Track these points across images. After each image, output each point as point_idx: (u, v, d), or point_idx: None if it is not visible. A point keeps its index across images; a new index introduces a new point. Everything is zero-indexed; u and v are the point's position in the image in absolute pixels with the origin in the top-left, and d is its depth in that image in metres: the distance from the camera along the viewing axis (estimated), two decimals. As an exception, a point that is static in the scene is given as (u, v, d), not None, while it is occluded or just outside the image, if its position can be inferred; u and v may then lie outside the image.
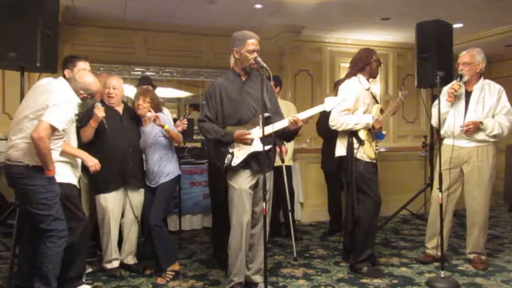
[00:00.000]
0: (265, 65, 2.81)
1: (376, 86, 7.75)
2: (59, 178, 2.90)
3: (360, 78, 3.60)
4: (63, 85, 2.83)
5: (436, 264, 3.72)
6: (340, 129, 3.47)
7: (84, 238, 3.14)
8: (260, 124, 2.82)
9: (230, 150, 2.98)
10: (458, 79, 3.57)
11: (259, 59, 2.90)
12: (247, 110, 3.03)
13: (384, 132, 3.67)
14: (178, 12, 5.60)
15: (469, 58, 3.62)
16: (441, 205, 3.36)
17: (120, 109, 3.57)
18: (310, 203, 5.70)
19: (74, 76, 2.92)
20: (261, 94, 2.82)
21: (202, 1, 5.14)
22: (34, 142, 2.59)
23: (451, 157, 3.62)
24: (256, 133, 2.94)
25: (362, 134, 3.47)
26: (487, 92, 3.66)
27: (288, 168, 4.58)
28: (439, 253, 3.54)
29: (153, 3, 5.25)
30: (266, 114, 2.94)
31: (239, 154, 2.97)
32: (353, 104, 3.47)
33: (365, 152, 3.48)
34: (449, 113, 3.67)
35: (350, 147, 3.50)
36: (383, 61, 7.66)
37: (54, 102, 2.66)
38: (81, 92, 2.88)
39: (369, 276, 3.46)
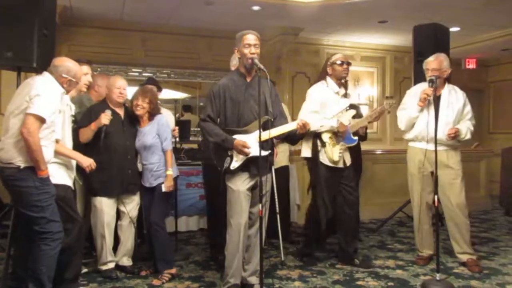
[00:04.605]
0: (262, 66, 2.82)
1: (373, 89, 7.77)
2: (54, 180, 2.88)
3: (329, 82, 3.69)
4: (45, 77, 2.82)
5: (432, 266, 3.73)
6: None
7: (80, 239, 3.13)
8: (261, 127, 2.82)
9: (230, 153, 2.98)
10: (430, 84, 3.59)
11: (256, 60, 2.90)
12: (249, 112, 3.03)
13: (355, 138, 3.70)
14: (176, 14, 5.60)
15: (438, 64, 3.69)
16: (436, 208, 3.38)
17: (121, 112, 3.57)
18: (306, 205, 5.68)
19: (54, 63, 2.88)
20: (258, 96, 2.81)
21: (200, 3, 5.14)
22: (24, 138, 2.57)
23: (424, 161, 3.71)
24: (255, 137, 2.93)
25: (325, 137, 3.56)
26: (454, 96, 3.80)
27: (286, 168, 4.58)
28: (429, 252, 3.82)
29: (151, 4, 5.25)
30: (267, 117, 2.94)
31: (238, 158, 2.97)
32: (318, 107, 3.59)
33: (327, 155, 3.58)
34: (420, 118, 3.73)
35: (314, 149, 3.61)
36: (380, 64, 7.71)
37: (36, 93, 2.63)
38: (64, 76, 2.85)
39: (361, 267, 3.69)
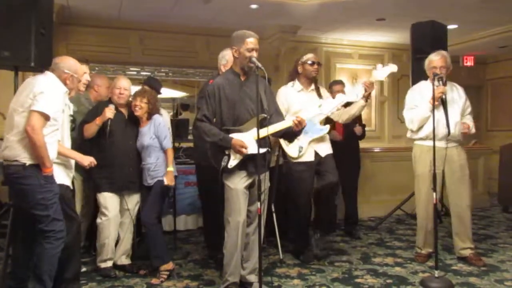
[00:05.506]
0: (260, 65, 2.81)
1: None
2: (53, 179, 2.89)
3: (295, 82, 3.86)
4: (48, 75, 2.85)
5: (430, 263, 3.74)
6: None
7: (78, 238, 3.13)
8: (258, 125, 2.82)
9: (227, 152, 2.99)
10: (441, 82, 3.59)
11: (254, 59, 2.89)
12: (244, 111, 3.03)
13: (323, 127, 3.73)
14: (173, 12, 5.59)
15: (444, 61, 3.72)
16: (435, 205, 3.41)
17: (125, 112, 3.60)
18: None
19: (55, 61, 2.93)
20: (256, 94, 2.81)
21: (198, 1, 5.14)
22: (28, 135, 2.58)
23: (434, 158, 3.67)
24: (252, 134, 2.93)
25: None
26: (456, 92, 3.86)
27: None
28: (429, 249, 3.81)
29: (149, 3, 5.24)
30: (263, 115, 2.94)
31: (235, 157, 2.97)
32: (283, 108, 3.67)
33: (286, 153, 3.72)
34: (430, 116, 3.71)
35: (279, 147, 3.84)
36: (378, 62, 7.69)
37: (40, 90, 2.66)
38: (66, 71, 2.87)
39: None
